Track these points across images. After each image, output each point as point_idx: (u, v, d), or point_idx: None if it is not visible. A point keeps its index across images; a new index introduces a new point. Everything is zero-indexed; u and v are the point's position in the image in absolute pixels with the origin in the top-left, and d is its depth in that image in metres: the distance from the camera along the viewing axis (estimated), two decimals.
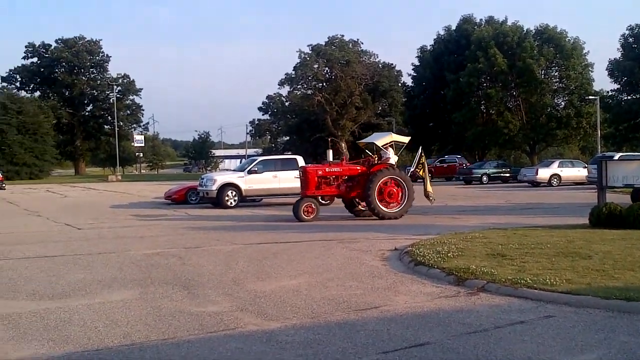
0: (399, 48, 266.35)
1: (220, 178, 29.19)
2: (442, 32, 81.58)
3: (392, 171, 22.18)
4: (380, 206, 21.49)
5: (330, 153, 26.49)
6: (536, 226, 17.36)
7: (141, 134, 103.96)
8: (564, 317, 8.19)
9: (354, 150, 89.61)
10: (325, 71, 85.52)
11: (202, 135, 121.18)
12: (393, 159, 23.02)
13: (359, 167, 23.06)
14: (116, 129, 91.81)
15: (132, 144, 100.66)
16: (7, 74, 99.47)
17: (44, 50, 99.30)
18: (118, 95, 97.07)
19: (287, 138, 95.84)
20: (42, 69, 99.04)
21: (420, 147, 25.75)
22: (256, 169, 28.75)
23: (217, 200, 28.00)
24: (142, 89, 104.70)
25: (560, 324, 7.92)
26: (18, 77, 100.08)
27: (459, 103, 70.54)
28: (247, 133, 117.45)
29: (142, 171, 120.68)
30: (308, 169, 23.25)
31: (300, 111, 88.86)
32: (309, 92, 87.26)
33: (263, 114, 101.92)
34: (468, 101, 70.35)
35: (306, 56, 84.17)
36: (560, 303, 8.80)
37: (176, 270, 12.12)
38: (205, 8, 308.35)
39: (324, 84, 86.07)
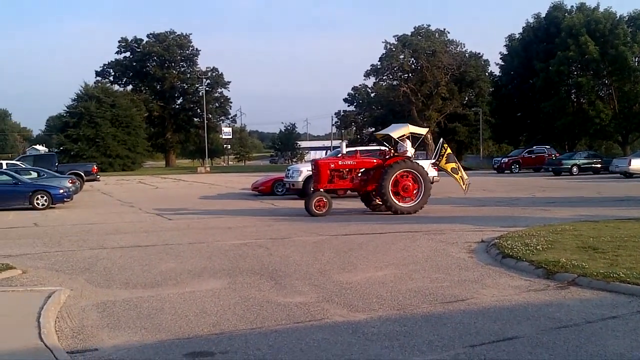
0: (487, 37, 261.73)
1: (306, 169, 29.29)
2: (531, 20, 79.65)
3: (407, 164, 21.17)
4: (395, 200, 20.63)
5: (344, 145, 25.37)
6: (629, 218, 16.82)
7: (229, 126, 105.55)
8: None
9: (439, 141, 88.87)
10: (411, 61, 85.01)
11: (288, 127, 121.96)
12: (410, 151, 22.19)
13: (375, 160, 22.26)
14: (205, 121, 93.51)
15: (220, 136, 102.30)
16: (101, 68, 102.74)
17: (136, 45, 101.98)
18: (207, 88, 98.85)
19: (373, 129, 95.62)
20: (134, 63, 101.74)
21: (442, 139, 24.26)
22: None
23: (303, 192, 28.15)
24: (230, 81, 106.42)
25: None
26: (111, 71, 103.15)
27: (548, 92, 68.88)
28: (333, 124, 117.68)
29: (229, 163, 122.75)
30: (319, 161, 22.39)
31: (385, 102, 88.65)
32: (395, 82, 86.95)
33: (348, 105, 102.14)
34: (557, 90, 68.62)
35: (392, 47, 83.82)
36: None
37: (263, 260, 12.30)
38: (291, 0, 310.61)
39: (410, 74, 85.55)
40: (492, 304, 8.58)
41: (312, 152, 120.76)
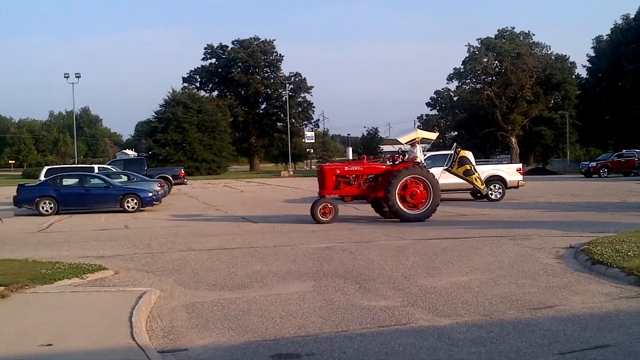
0: (573, 39, 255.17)
1: None
2: (619, 21, 77.37)
3: (416, 170, 20.46)
4: (402, 207, 19.97)
5: (349, 150, 24.40)
6: None
7: (312, 131, 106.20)
8: None
9: (523, 145, 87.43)
10: (494, 64, 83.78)
11: (371, 131, 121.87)
12: (420, 157, 21.57)
13: (384, 166, 21.56)
14: (288, 126, 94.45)
15: (303, 140, 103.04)
16: (187, 74, 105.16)
17: (222, 52, 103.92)
18: (290, 93, 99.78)
19: (455, 133, 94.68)
20: (219, 69, 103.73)
21: (455, 143, 23.45)
22: (425, 164, 28.57)
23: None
24: (313, 86, 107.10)
25: None
26: (198, 77, 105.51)
27: (638, 94, 66.66)
28: (415, 128, 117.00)
29: (312, 167, 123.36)
30: (325, 167, 21.99)
31: (468, 106, 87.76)
32: (478, 86, 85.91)
33: (431, 110, 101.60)
34: None
35: (475, 50, 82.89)
36: None
37: (347, 264, 12.35)
38: (371, 5, 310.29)
39: (494, 77, 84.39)
40: (582, 311, 8.39)
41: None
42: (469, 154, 27.94)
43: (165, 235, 17.90)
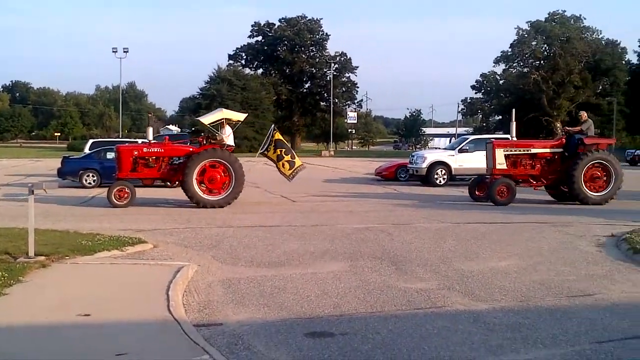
0: (625, 24, 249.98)
1: (430, 156, 29.17)
2: None
3: (217, 153, 19.22)
4: (200, 192, 18.85)
5: (150, 130, 22.66)
6: None
7: (354, 111, 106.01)
8: None
9: None
10: (543, 48, 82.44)
11: (414, 113, 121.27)
12: (230, 138, 20.20)
13: (191, 148, 20.37)
14: (331, 105, 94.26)
15: (346, 120, 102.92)
16: (234, 51, 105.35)
17: (268, 29, 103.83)
18: (335, 73, 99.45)
19: (499, 117, 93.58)
20: (265, 47, 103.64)
21: (273, 125, 21.98)
22: (467, 147, 28.33)
23: (426, 178, 28.01)
24: (357, 66, 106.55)
25: None
26: (243, 54, 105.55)
27: None
28: (459, 111, 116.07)
29: (353, 147, 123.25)
30: (121, 148, 20.42)
31: (514, 90, 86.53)
32: (525, 70, 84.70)
33: (476, 93, 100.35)
34: None
35: (524, 33, 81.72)
36: None
37: (385, 245, 12.31)
38: None
39: (542, 61, 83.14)
40: (622, 301, 8.26)
41: (436, 139, 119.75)
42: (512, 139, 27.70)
43: (205, 211, 18.04)
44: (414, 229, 14.51)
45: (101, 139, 43.38)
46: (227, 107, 79.25)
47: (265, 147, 20.64)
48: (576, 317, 7.46)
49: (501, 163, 20.37)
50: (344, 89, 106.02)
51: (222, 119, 20.31)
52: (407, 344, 6.51)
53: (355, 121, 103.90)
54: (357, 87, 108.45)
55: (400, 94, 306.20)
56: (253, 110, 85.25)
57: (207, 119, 20.82)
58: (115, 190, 18.99)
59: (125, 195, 19.01)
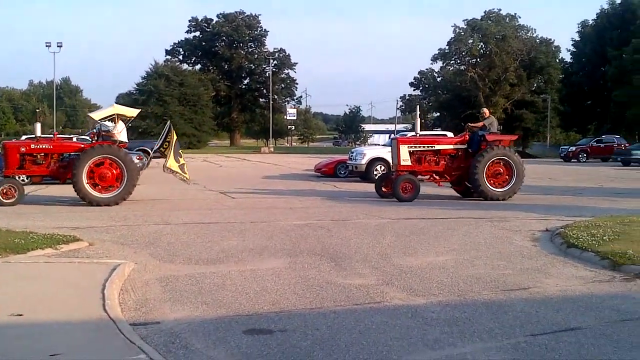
0: (559, 23, 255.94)
1: (369, 152, 29.32)
2: (605, 6, 77.83)
3: (105, 149, 18.59)
4: (90, 190, 18.09)
5: (37, 126, 21.22)
6: None
7: (294, 108, 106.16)
8: None
9: (505, 128, 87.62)
10: (479, 46, 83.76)
11: (353, 110, 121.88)
12: (123, 134, 19.64)
13: (82, 144, 19.88)
14: (271, 102, 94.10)
15: (285, 117, 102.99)
16: (171, 47, 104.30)
17: (206, 25, 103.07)
18: (274, 69, 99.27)
19: (438, 114, 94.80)
20: (203, 43, 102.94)
21: (169, 121, 21.34)
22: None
23: (365, 174, 28.12)
24: (297, 63, 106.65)
25: None
26: (181, 50, 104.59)
27: (620, 80, 67.16)
28: (397, 108, 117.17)
29: (293, 144, 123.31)
30: (7, 144, 19.89)
31: (452, 87, 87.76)
32: (462, 67, 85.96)
33: (414, 90, 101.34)
34: (630, 79, 66.74)
35: (461, 31, 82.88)
36: None
37: (324, 241, 12.32)
38: None
39: (478, 59, 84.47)
40: (555, 294, 8.44)
41: (375, 135, 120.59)
42: (450, 135, 28.06)
43: (142, 208, 17.75)
44: (353, 225, 14.57)
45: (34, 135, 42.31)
46: (165, 103, 78.81)
47: (160, 144, 19.66)
48: (512, 311, 7.59)
49: (405, 159, 20.30)
50: (283, 85, 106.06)
51: (114, 114, 19.64)
52: (346, 339, 6.51)
53: (295, 117, 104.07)
54: (297, 84, 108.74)
55: (340, 91, 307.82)
56: (191, 106, 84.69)
57: (97, 115, 20.22)
58: (0, 189, 18.01)
59: (11, 194, 18.00)
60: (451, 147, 20.93)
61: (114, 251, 11.17)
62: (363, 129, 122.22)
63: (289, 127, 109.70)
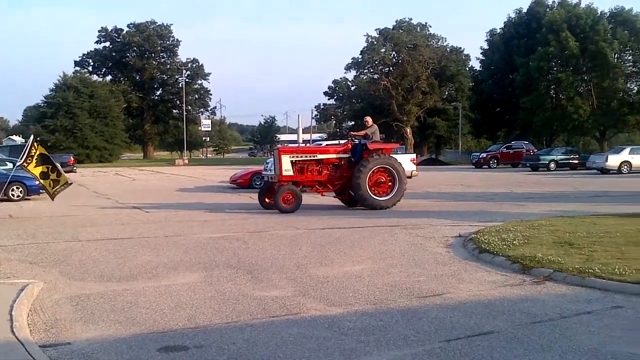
0: (468, 32, 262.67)
1: None
2: (512, 15, 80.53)
3: None
4: None
5: None
6: (605, 214, 16.92)
7: (208, 119, 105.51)
8: (632, 308, 8.01)
9: (418, 135, 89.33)
10: (392, 55, 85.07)
11: (268, 120, 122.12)
12: None
13: None
14: (184, 113, 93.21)
15: (200, 128, 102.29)
16: (80, 58, 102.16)
17: (116, 35, 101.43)
18: (187, 80, 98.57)
19: (352, 123, 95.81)
20: (113, 54, 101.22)
21: (32, 136, 19.39)
22: None
23: None
24: (210, 73, 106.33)
25: (628, 315, 7.75)
26: (90, 61, 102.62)
27: (527, 88, 69.40)
28: (313, 118, 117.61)
29: (208, 155, 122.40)
30: None
31: (366, 96, 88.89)
32: (375, 76, 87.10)
33: (329, 99, 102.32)
34: (537, 86, 69.19)
35: (374, 40, 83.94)
36: (629, 293, 8.61)
37: (240, 254, 12.23)
38: None
39: (391, 68, 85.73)
40: (469, 299, 8.60)
41: (291, 145, 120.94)
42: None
43: (52, 225, 17.24)
44: (269, 236, 14.52)
45: None
46: (74, 116, 76.85)
47: (24, 159, 17.36)
48: (426, 317, 7.69)
49: (287, 169, 20.11)
50: (196, 96, 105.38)
51: None
52: (263, 352, 6.47)
53: (210, 129, 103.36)
54: (210, 94, 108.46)
55: (255, 101, 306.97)
56: (102, 118, 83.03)
57: None
58: None
59: None
60: (334, 156, 20.74)
61: (21, 271, 10.78)
62: (278, 139, 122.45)
63: (203, 138, 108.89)
